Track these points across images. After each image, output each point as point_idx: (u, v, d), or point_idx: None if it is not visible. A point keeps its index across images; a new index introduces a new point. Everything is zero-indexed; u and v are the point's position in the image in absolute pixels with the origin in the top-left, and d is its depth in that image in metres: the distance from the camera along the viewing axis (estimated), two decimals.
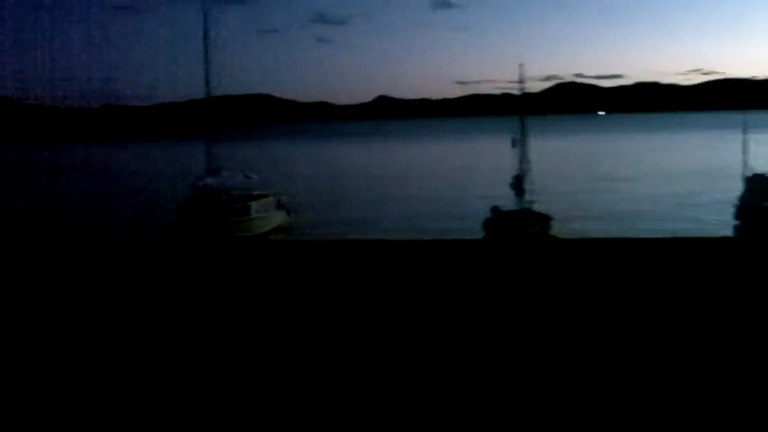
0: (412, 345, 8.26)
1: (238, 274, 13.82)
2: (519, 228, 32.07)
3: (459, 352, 7.91)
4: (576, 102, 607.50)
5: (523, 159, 35.75)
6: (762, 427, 5.69)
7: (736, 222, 34.05)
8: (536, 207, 34.93)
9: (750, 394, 6.35)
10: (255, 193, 40.41)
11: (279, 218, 40.59)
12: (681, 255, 15.15)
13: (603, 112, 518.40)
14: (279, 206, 41.27)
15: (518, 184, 35.41)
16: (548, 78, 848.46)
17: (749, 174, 35.56)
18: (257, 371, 7.35)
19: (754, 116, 41.81)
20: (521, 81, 38.87)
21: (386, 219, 41.38)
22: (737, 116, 41.95)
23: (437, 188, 58.48)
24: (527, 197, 35.13)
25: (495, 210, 34.90)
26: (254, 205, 38.54)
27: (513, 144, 36.10)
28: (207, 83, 42.10)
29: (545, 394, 6.49)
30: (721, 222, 34.65)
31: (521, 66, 38.92)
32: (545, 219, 33.70)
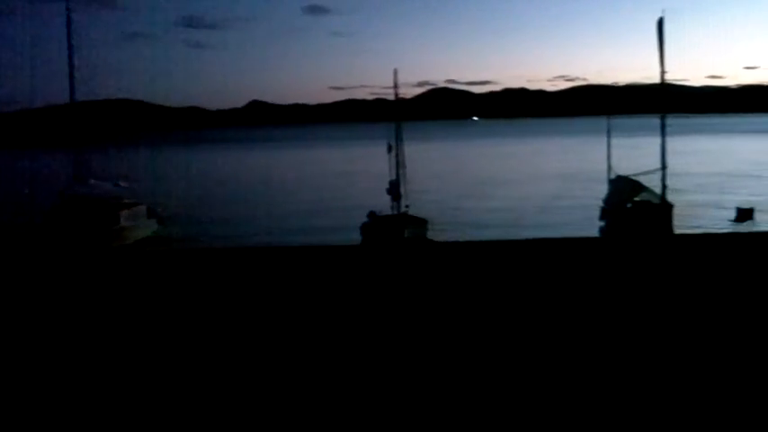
0: (288, 352, 7.79)
1: (112, 284, 12.88)
2: (396, 232, 32.23)
3: (338, 358, 7.51)
4: (449, 107, 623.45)
5: (399, 164, 36.01)
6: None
7: (601, 223, 35.42)
8: (413, 211, 35.24)
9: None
10: (125, 201, 38.73)
11: (150, 227, 39.03)
12: (555, 255, 15.38)
13: (477, 118, 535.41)
14: (150, 215, 39.70)
15: (394, 188, 35.61)
16: (421, 84, 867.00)
17: (613, 176, 37.12)
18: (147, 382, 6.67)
19: (616, 121, 43.96)
20: (395, 87, 39.20)
21: (261, 226, 40.47)
22: (601, 121, 43.92)
23: (313, 194, 58.01)
24: (404, 202, 35.39)
25: (371, 214, 34.94)
26: (123, 214, 36.92)
27: (389, 149, 36.30)
28: (71, 88, 40.04)
29: (407, 407, 6.16)
30: (587, 223, 35.98)
31: (395, 71, 39.25)
32: (422, 223, 34.03)
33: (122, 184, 40.66)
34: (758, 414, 5.80)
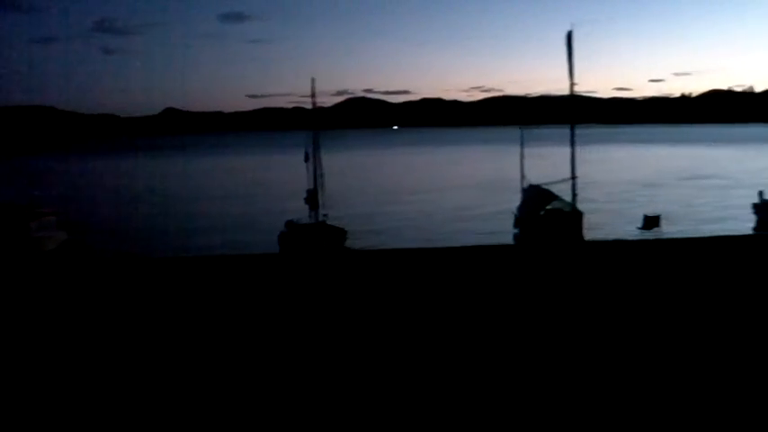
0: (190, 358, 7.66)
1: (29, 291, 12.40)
2: (314, 241, 32.13)
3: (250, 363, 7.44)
4: (367, 116, 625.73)
5: (317, 173, 35.96)
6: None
7: (515, 231, 36.25)
8: (331, 220, 35.22)
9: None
10: (35, 210, 37.38)
11: (60, 237, 37.71)
12: (468, 262, 15.65)
13: (397, 127, 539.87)
14: (60, 225, 38.39)
15: (312, 197, 35.52)
16: (339, 93, 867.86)
17: (526, 185, 38.04)
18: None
19: (529, 131, 45.09)
20: (312, 95, 39.13)
21: (176, 236, 39.62)
22: (515, 131, 44.93)
23: (231, 203, 57.13)
24: (322, 211, 35.34)
25: (289, 223, 34.73)
26: (33, 224, 35.63)
27: (306, 158, 36.19)
28: None
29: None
30: (501, 231, 36.74)
31: (312, 80, 39.19)
32: (340, 232, 34.03)
33: (33, 192, 39.35)
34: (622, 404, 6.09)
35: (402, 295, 11.80)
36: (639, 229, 36.93)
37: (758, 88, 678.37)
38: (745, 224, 38.51)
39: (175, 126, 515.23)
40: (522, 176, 38.36)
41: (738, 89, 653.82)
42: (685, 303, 10.83)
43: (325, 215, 35.28)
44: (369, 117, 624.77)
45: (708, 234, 32.54)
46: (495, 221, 40.87)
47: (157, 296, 12.28)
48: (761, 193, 39.96)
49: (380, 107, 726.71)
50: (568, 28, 36.21)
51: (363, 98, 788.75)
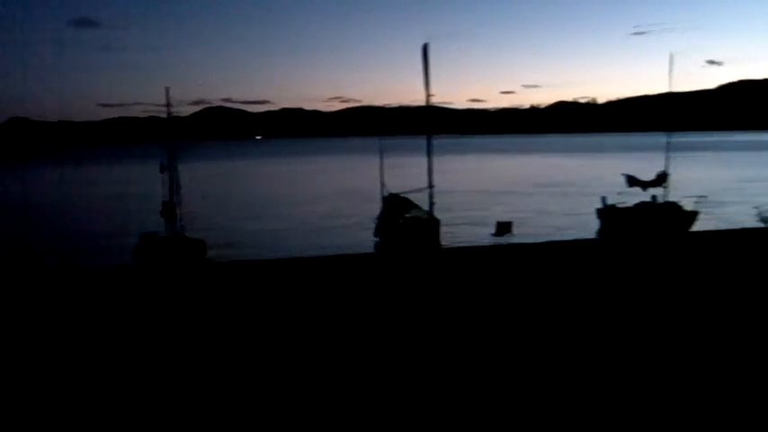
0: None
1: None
2: (171, 254, 31.21)
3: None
4: (226, 126, 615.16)
5: (174, 185, 34.92)
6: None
7: (376, 239, 36.77)
8: (189, 233, 34.32)
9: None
10: None
11: None
12: (329, 271, 15.73)
13: (260, 137, 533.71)
14: None
15: (168, 210, 34.45)
16: (196, 103, 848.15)
17: (386, 194, 38.60)
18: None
19: (388, 141, 45.94)
20: (168, 104, 37.99)
21: (26, 249, 37.24)
22: (375, 141, 45.44)
23: (82, 216, 54.47)
24: (180, 223, 34.36)
25: (144, 236, 33.58)
26: None
27: (162, 169, 35.08)
28: None
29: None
30: (363, 239, 37.14)
31: (167, 89, 38.07)
32: (198, 244, 33.23)
33: None
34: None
35: (264, 305, 11.73)
36: (493, 235, 38.24)
37: (600, 100, 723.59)
38: (590, 228, 40.82)
39: (22, 137, 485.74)
40: (382, 185, 38.87)
41: (583, 101, 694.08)
42: (535, 305, 11.40)
43: (183, 228, 34.33)
44: (228, 127, 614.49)
45: (556, 239, 34.38)
46: (356, 231, 41.26)
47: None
48: (604, 199, 42.47)
49: (240, 117, 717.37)
50: (424, 41, 37.09)
51: (222, 107, 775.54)
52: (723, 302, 11.07)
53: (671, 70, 43.17)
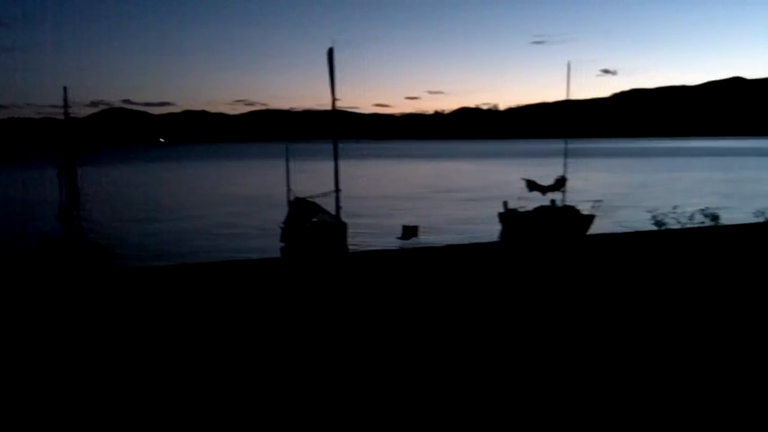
0: None
1: None
2: (70, 260, 30.25)
3: None
4: (127, 128, 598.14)
5: (72, 189, 33.79)
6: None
7: (282, 244, 36.55)
8: (88, 238, 33.32)
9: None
10: None
11: None
12: (234, 276, 15.59)
13: (163, 140, 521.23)
14: None
15: (66, 214, 33.32)
16: (94, 104, 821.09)
17: (292, 198, 38.48)
18: None
19: (295, 145, 45.90)
20: (65, 105, 36.67)
21: None
22: (281, 146, 45.10)
23: None
24: (79, 228, 33.30)
25: (41, 242, 32.44)
26: None
27: (59, 173, 33.90)
28: None
29: None
30: (268, 244, 36.89)
31: (65, 89, 36.74)
32: (100, 249, 32.32)
33: None
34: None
35: (167, 313, 11.53)
36: (399, 239, 38.65)
37: (502, 107, 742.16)
38: (492, 232, 41.87)
39: None
40: (289, 190, 38.72)
41: (485, 107, 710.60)
42: (441, 307, 11.64)
43: (81, 233, 33.27)
44: (129, 130, 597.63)
45: (460, 242, 35.09)
46: (261, 236, 40.95)
47: None
48: (505, 203, 43.67)
49: (141, 119, 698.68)
50: (330, 45, 37.08)
51: (122, 109, 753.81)
52: (619, 302, 11.61)
53: (568, 79, 44.87)
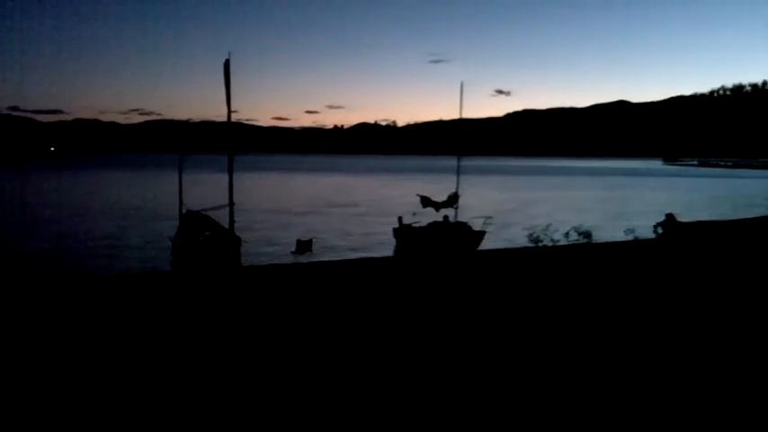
0: None
1: None
2: None
3: None
4: (14, 137, 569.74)
5: None
6: None
7: (172, 258, 35.81)
8: None
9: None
10: None
11: None
12: (120, 290, 15.28)
13: (53, 149, 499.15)
14: None
15: None
16: None
17: (184, 211, 37.75)
18: None
19: (190, 157, 44.94)
20: None
21: None
22: (176, 156, 43.91)
23: None
24: None
25: None
26: None
27: None
28: None
29: None
30: (158, 258, 36.11)
31: None
32: None
33: None
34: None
35: (51, 327, 11.25)
36: (293, 253, 38.57)
37: (400, 123, 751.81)
38: (387, 247, 42.39)
39: None
40: (181, 203, 37.98)
41: (384, 123, 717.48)
42: (335, 321, 11.84)
43: None
44: (16, 138, 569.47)
45: (354, 256, 35.39)
46: (150, 249, 39.97)
47: None
48: (400, 219, 44.31)
49: (30, 127, 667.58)
50: (227, 55, 36.65)
51: (9, 116, 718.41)
52: (508, 315, 12.11)
53: (461, 98, 46.06)
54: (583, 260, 19.80)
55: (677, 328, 10.76)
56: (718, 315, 11.83)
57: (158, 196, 75.05)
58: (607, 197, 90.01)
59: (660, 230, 36.22)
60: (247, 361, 9.18)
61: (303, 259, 36.15)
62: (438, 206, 44.74)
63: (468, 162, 59.12)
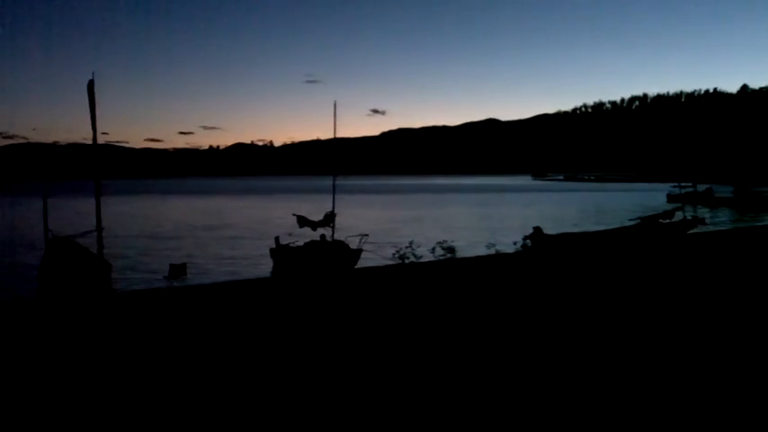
0: None
1: None
2: None
3: None
4: None
5: None
6: None
7: (37, 286, 34.30)
8: None
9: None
10: None
11: None
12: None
13: None
14: None
15: None
16: None
17: (50, 238, 36.22)
18: None
19: (59, 182, 43.26)
20: None
21: None
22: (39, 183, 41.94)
23: None
24: None
25: None
26: None
27: None
28: None
29: None
30: (24, 288, 34.56)
31: None
32: None
33: None
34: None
35: None
36: (166, 278, 37.81)
37: (277, 143, 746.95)
38: (264, 268, 42.22)
39: None
40: (47, 230, 36.46)
41: (260, 143, 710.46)
42: (210, 342, 11.91)
43: None
44: None
45: (231, 279, 35.13)
46: (14, 278, 38.14)
47: None
48: (277, 239, 44.27)
49: None
50: (90, 76, 35.56)
51: None
52: (383, 332, 12.57)
53: (335, 117, 46.62)
54: (446, 275, 20.69)
55: (537, 336, 11.53)
56: (578, 320, 12.74)
57: (22, 224, 71.41)
58: (479, 213, 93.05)
59: (529, 243, 37.99)
60: (123, 389, 9.18)
61: (177, 284, 35.49)
62: (315, 225, 44.96)
63: (344, 181, 59.75)
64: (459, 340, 11.23)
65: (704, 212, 74.17)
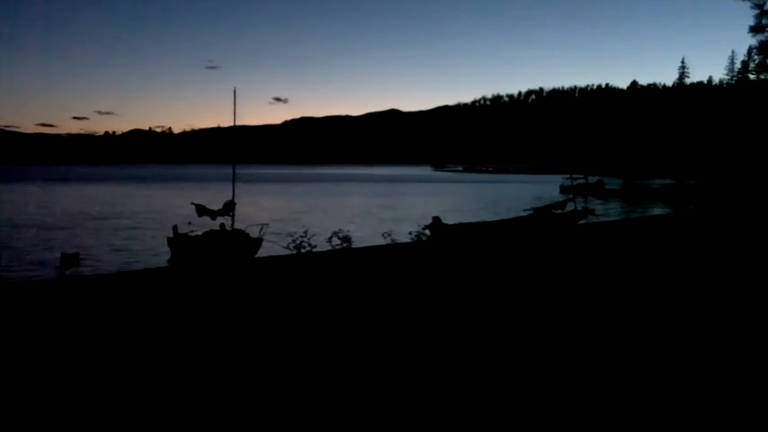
0: None
1: None
2: None
3: None
4: None
5: None
6: None
7: None
8: None
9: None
10: None
11: None
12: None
13: None
14: None
15: None
16: None
17: None
18: None
19: None
20: None
21: None
22: None
23: None
24: None
25: None
26: None
27: None
28: None
29: None
30: None
31: None
32: None
33: None
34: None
35: None
36: (58, 268, 36.79)
37: (176, 130, 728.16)
38: (162, 257, 41.50)
39: None
40: None
41: (159, 130, 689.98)
42: (111, 336, 11.79)
43: None
44: None
45: (125, 269, 34.43)
46: None
47: None
48: (175, 228, 43.60)
49: None
50: None
51: None
52: (282, 322, 12.77)
53: (234, 105, 46.19)
54: (341, 264, 21.10)
55: (433, 323, 12.00)
56: (472, 307, 13.30)
57: None
58: (380, 203, 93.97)
59: (426, 233, 38.84)
60: (14, 385, 9.09)
61: (69, 273, 34.55)
62: (214, 215, 44.55)
63: (245, 170, 59.25)
64: (355, 329, 11.60)
65: (595, 203, 77.40)
